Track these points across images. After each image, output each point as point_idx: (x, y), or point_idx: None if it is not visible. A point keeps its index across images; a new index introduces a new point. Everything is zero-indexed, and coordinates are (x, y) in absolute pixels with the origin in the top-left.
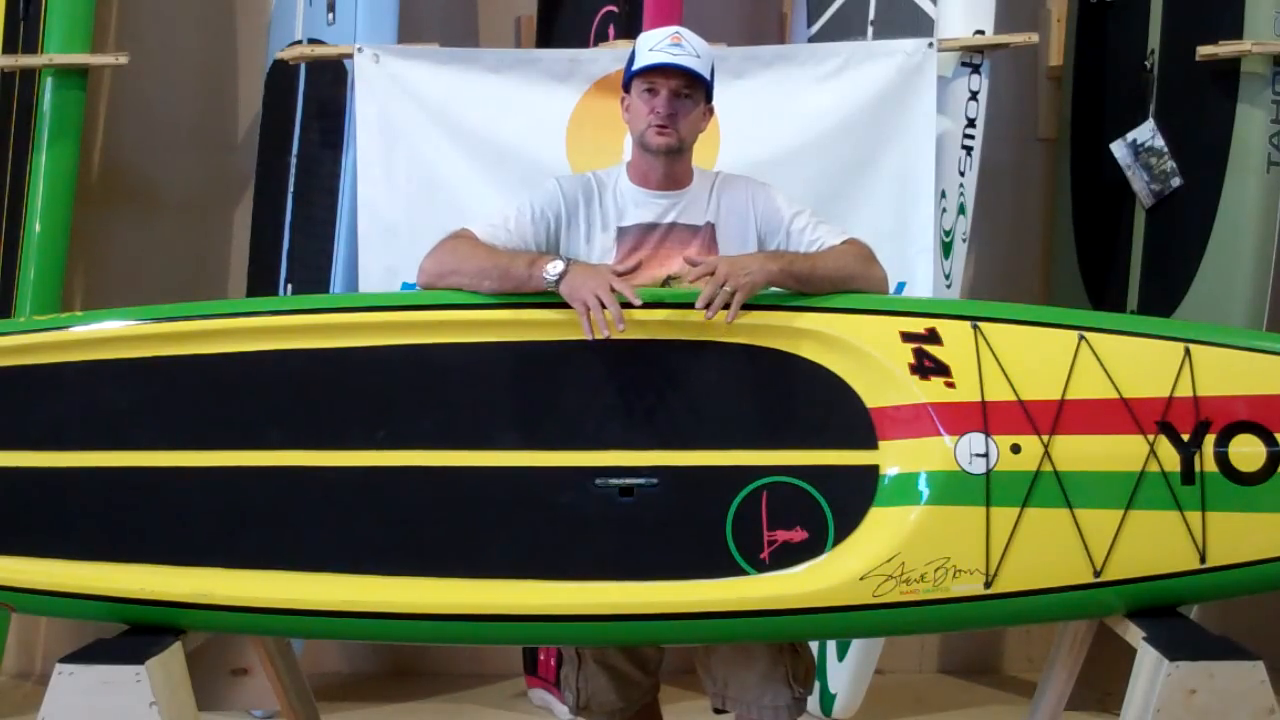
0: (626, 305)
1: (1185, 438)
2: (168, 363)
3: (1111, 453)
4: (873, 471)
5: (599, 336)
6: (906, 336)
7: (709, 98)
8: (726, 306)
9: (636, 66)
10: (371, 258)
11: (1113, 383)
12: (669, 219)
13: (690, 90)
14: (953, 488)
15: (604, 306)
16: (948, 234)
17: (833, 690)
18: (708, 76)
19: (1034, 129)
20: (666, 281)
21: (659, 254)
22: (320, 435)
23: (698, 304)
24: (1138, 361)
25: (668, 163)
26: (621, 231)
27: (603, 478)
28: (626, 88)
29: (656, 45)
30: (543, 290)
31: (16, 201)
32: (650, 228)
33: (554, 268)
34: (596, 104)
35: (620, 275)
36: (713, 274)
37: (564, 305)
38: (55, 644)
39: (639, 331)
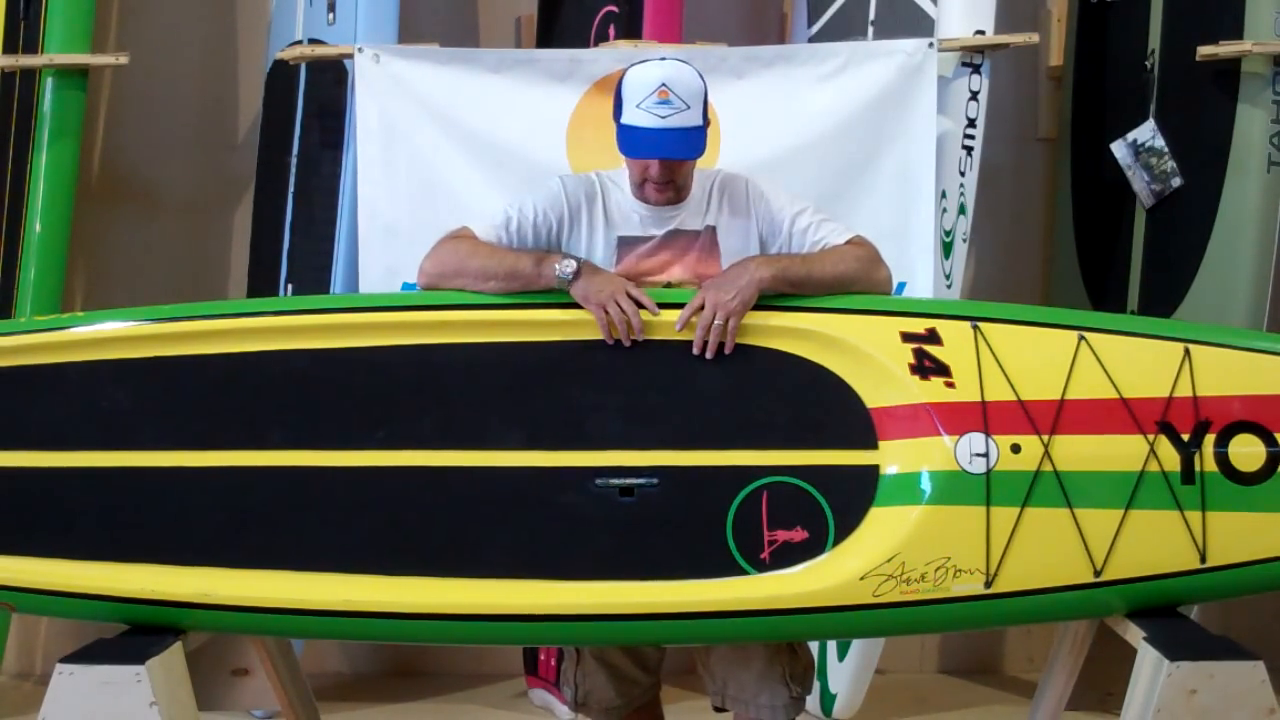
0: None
1: (1185, 438)
2: (169, 363)
3: (1111, 453)
4: (873, 471)
5: (624, 341)
6: (906, 337)
7: (705, 121)
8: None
9: (624, 123)
10: (371, 258)
11: (1113, 383)
12: (670, 227)
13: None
14: (953, 487)
15: (624, 311)
16: (948, 234)
17: (833, 690)
18: (700, 127)
19: (1034, 129)
20: (667, 286)
21: (660, 260)
22: (321, 435)
23: (694, 349)
24: (1137, 362)
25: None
26: (622, 240)
27: (603, 478)
28: (614, 118)
29: (643, 103)
30: (551, 289)
31: (17, 201)
32: (649, 238)
33: (566, 266)
34: (597, 104)
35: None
36: (701, 309)
37: (566, 304)
38: (55, 644)
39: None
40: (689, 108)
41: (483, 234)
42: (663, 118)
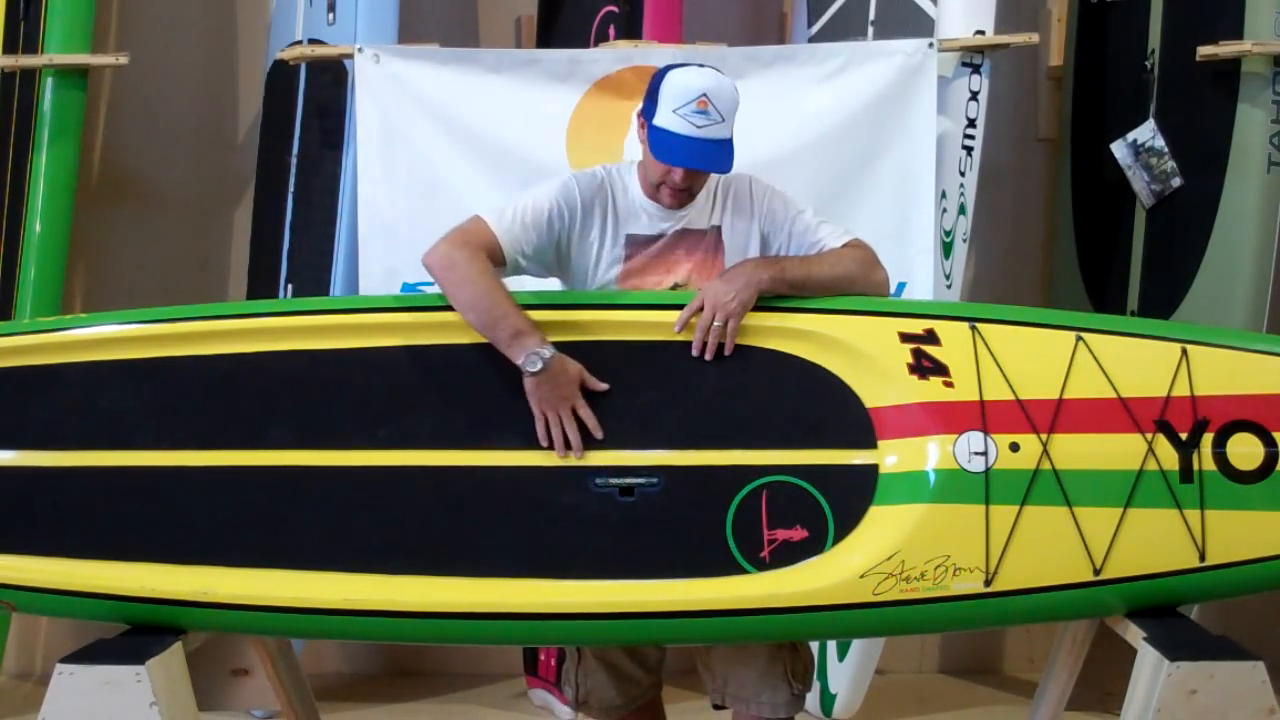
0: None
1: (1183, 437)
2: (169, 363)
3: (1110, 451)
4: (872, 470)
5: (559, 453)
6: (905, 337)
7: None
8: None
9: (657, 125)
10: (371, 258)
11: (1110, 383)
12: (678, 226)
13: None
14: (952, 486)
15: (563, 429)
16: (948, 234)
17: (833, 690)
18: (731, 140)
19: (1034, 129)
20: (674, 288)
21: (666, 260)
22: (321, 435)
23: (693, 350)
24: (1135, 362)
25: None
26: (630, 239)
27: (603, 478)
28: (644, 116)
29: (680, 109)
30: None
31: (17, 202)
32: (658, 235)
33: (533, 361)
34: (597, 104)
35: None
36: (700, 310)
37: (565, 305)
38: (55, 644)
39: (641, 333)
40: (724, 120)
41: (496, 224)
42: (698, 127)
